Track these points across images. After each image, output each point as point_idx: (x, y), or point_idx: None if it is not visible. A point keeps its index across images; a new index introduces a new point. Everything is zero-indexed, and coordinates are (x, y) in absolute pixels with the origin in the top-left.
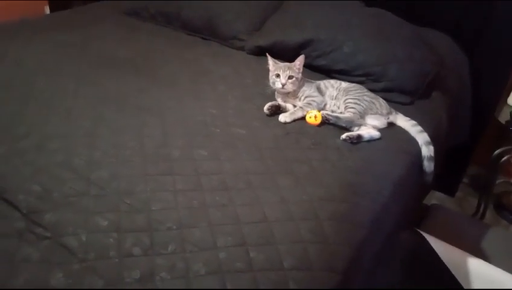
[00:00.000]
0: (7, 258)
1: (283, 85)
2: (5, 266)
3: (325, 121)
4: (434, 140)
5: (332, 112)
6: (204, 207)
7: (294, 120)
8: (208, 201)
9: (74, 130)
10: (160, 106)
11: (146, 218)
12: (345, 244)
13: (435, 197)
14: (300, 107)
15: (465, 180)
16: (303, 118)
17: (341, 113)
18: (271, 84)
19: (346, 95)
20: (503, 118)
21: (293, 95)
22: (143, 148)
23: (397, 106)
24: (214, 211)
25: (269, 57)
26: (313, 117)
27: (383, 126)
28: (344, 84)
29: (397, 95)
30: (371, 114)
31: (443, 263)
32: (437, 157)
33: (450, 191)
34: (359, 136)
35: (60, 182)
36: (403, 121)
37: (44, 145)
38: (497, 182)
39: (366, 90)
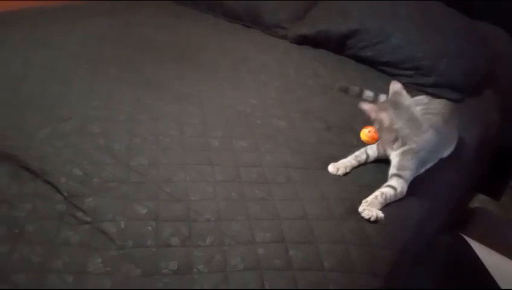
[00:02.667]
0: (48, 239)
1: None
2: (45, 248)
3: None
4: (483, 140)
5: None
6: (243, 200)
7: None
8: (247, 194)
9: (115, 115)
10: (200, 93)
11: (185, 208)
12: (388, 247)
13: (479, 200)
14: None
15: None
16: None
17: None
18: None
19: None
20: None
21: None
22: (182, 137)
23: None
24: (252, 205)
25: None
26: (368, 135)
27: None
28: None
29: (447, 91)
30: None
31: (486, 269)
32: (484, 158)
33: (495, 194)
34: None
35: (100, 167)
36: None
37: (86, 129)
38: None
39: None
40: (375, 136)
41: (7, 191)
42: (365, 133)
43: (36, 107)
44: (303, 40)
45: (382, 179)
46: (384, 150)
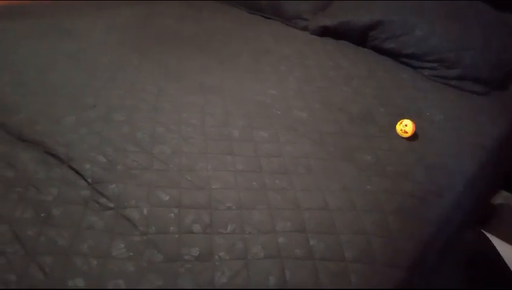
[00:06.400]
0: (73, 223)
1: None
2: (71, 232)
3: None
4: (509, 136)
5: None
6: (264, 189)
7: None
8: (268, 183)
9: (138, 104)
10: (221, 84)
11: (206, 196)
12: (411, 240)
13: (502, 197)
14: None
15: None
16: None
17: None
18: None
19: None
20: None
21: None
22: (204, 126)
23: (470, 95)
24: (273, 194)
25: None
26: (404, 129)
27: None
28: None
29: (471, 83)
30: None
31: (507, 266)
32: (509, 155)
33: None
34: None
35: (123, 154)
36: None
37: (110, 117)
38: None
39: None
40: (409, 131)
41: (34, 175)
42: (401, 127)
43: (62, 95)
44: (324, 32)
45: (406, 171)
46: None
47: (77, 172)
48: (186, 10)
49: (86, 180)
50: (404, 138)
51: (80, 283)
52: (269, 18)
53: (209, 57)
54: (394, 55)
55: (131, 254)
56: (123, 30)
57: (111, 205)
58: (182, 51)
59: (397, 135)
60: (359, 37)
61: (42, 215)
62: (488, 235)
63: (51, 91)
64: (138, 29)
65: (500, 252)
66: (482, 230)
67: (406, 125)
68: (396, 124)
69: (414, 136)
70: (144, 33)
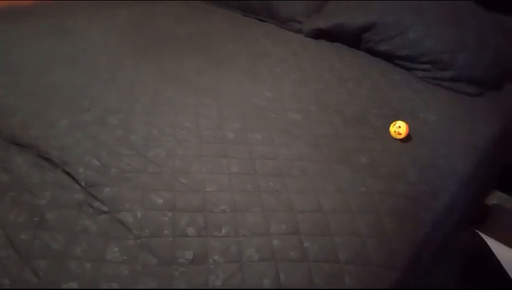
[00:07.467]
0: (67, 227)
1: None
2: (65, 235)
3: None
4: (503, 135)
5: None
6: (258, 192)
7: None
8: (262, 186)
9: (134, 107)
10: (217, 86)
11: (201, 199)
12: (405, 242)
13: (496, 197)
14: None
15: None
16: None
17: None
18: None
19: None
20: None
21: None
22: (199, 129)
23: (463, 96)
24: (267, 197)
25: None
26: (397, 131)
27: None
28: None
29: (464, 85)
30: None
31: (502, 267)
32: (504, 154)
33: None
34: None
35: (118, 158)
36: None
37: (105, 120)
38: None
39: None
40: (402, 132)
41: (28, 179)
42: (394, 129)
43: (59, 97)
44: (318, 34)
45: (400, 172)
46: None
47: (71, 176)
48: (182, 12)
49: (79, 184)
50: (398, 140)
51: (73, 286)
52: (264, 21)
53: (205, 59)
54: (388, 57)
55: (126, 257)
56: (122, 31)
57: (105, 208)
58: (180, 52)
59: (391, 136)
60: (353, 39)
61: (36, 219)
62: (483, 235)
63: (49, 92)
64: (137, 29)
65: (495, 253)
66: (476, 231)
67: (399, 126)
68: (390, 125)
69: (408, 138)
70: (143, 34)
